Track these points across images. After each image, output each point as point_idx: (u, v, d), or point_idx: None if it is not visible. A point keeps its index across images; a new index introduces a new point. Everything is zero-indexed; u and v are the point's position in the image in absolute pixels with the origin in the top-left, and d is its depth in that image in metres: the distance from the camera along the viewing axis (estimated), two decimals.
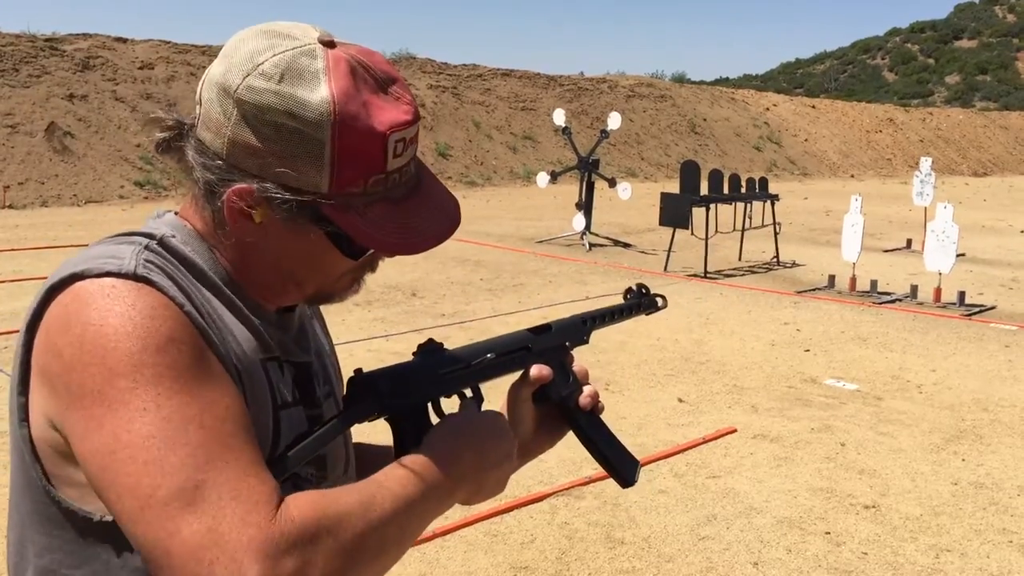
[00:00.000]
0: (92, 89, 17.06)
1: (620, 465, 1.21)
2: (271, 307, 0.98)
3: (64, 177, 15.08)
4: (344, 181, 0.87)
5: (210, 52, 20.14)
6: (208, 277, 0.91)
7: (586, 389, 1.16)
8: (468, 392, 1.07)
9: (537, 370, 1.11)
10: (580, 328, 1.23)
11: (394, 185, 0.91)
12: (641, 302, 1.32)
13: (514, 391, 1.13)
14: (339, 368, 1.15)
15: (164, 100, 17.98)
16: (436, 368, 1.03)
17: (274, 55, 0.86)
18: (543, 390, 1.14)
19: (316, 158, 0.86)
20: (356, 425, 0.98)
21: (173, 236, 0.92)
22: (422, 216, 0.93)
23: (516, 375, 1.13)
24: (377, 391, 0.97)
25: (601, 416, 1.20)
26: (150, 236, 0.90)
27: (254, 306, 0.95)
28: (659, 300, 1.34)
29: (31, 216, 13.11)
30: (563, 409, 1.17)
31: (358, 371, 0.98)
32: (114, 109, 17.07)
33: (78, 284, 0.82)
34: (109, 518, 0.83)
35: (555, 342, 1.18)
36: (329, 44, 0.89)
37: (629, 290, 1.34)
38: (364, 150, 0.87)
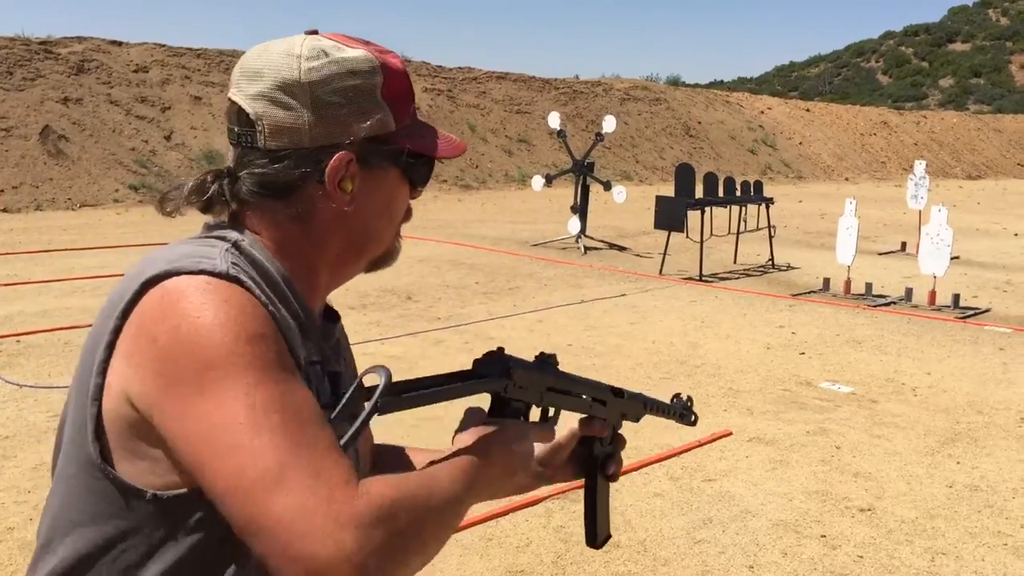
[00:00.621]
0: (87, 92, 17.03)
1: (600, 526, 1.34)
2: (318, 313, 1.08)
3: (58, 181, 15.05)
4: (402, 114, 1.04)
5: (205, 55, 20.13)
6: (274, 279, 0.99)
7: (616, 458, 1.32)
8: (551, 412, 1.18)
9: (600, 426, 1.27)
10: (640, 409, 1.38)
11: (417, 113, 1.10)
12: (682, 413, 1.49)
13: (575, 427, 1.28)
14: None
15: (159, 103, 17.96)
16: (548, 381, 1.15)
17: (301, 46, 1.01)
18: (592, 440, 1.29)
19: (377, 104, 1.02)
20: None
21: (243, 240, 1.00)
22: (444, 133, 1.12)
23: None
24: (510, 376, 1.07)
25: (610, 485, 1.35)
26: (225, 239, 0.99)
27: (308, 312, 1.03)
28: (694, 418, 1.51)
29: (25, 220, 13.08)
30: (591, 462, 1.32)
31: (501, 349, 1.08)
32: (109, 112, 17.04)
33: (175, 279, 0.90)
34: (163, 494, 0.92)
35: (620, 408, 1.32)
36: (314, 32, 1.05)
37: (677, 396, 1.50)
38: (402, 86, 1.05)
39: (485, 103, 24.34)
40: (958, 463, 4.50)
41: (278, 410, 0.85)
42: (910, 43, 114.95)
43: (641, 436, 4.72)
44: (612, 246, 12.14)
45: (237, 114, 1.02)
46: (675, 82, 35.00)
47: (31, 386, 5.11)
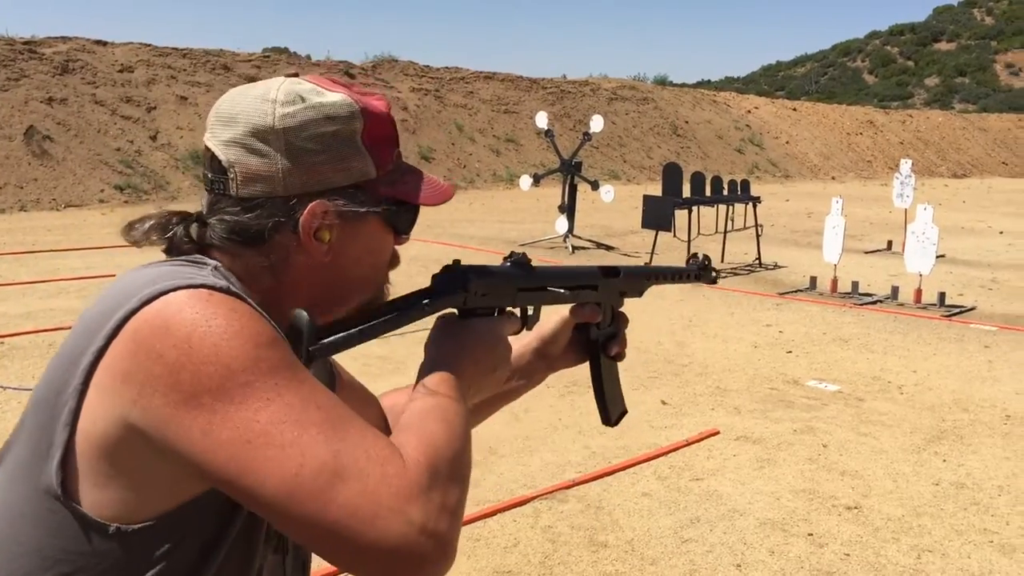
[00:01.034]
0: (71, 92, 16.93)
1: (611, 405, 1.37)
2: None
3: (43, 181, 14.96)
4: (383, 161, 1.01)
5: (191, 55, 20.04)
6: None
7: (619, 337, 1.33)
8: (530, 310, 1.19)
9: (591, 312, 1.28)
10: (641, 283, 1.37)
11: (402, 156, 1.07)
12: (700, 273, 1.46)
13: (567, 315, 1.30)
14: None
15: (144, 103, 17.88)
16: (518, 282, 1.14)
17: (278, 90, 0.97)
18: (587, 325, 1.30)
19: (357, 149, 0.98)
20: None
21: (221, 267, 0.97)
22: (429, 177, 1.08)
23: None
24: (466, 287, 1.06)
25: (618, 364, 1.36)
26: (206, 264, 0.95)
27: None
28: (713, 273, 1.49)
29: (9, 221, 12.99)
30: (592, 346, 1.33)
31: (456, 262, 1.08)
32: (94, 113, 16.95)
33: (173, 294, 0.86)
34: (127, 528, 0.87)
35: (617, 288, 1.32)
36: (295, 75, 1.02)
37: (693, 256, 1.48)
38: (384, 130, 1.01)
39: (473, 103, 24.32)
40: (944, 461, 4.52)
41: (313, 403, 0.85)
42: (895, 42, 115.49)
43: (628, 436, 4.73)
44: (600, 245, 12.15)
45: (211, 160, 0.99)
46: (662, 82, 35.06)
47: (14, 388, 5.07)
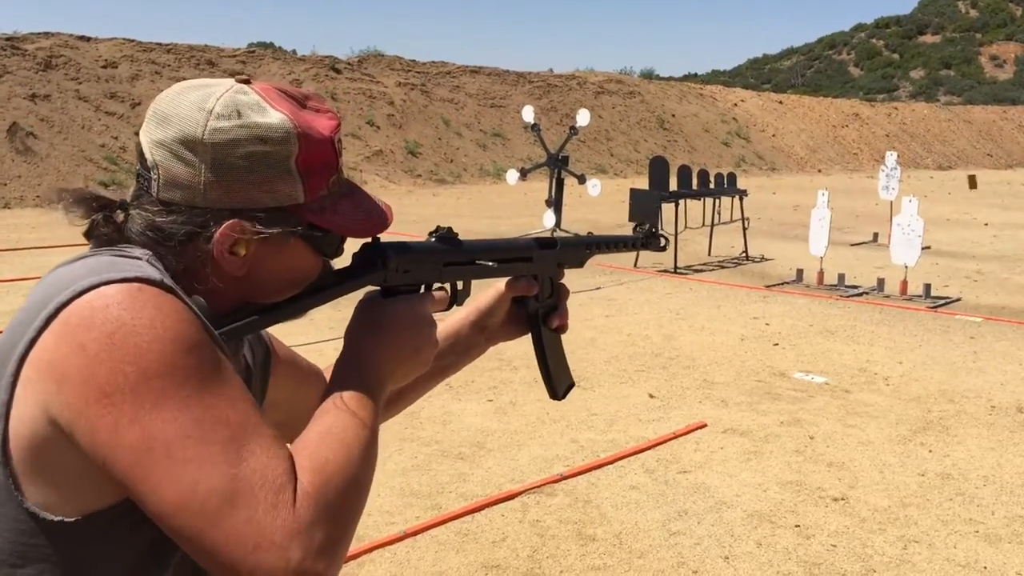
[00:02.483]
0: (55, 89, 16.82)
1: (557, 379, 1.35)
2: None
3: (27, 178, 14.86)
4: (315, 187, 0.98)
5: (175, 50, 19.93)
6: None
7: (560, 309, 1.32)
8: (460, 285, 1.17)
9: (526, 285, 1.27)
10: (580, 253, 1.36)
11: (343, 182, 1.04)
12: (647, 240, 1.45)
13: (503, 288, 1.29)
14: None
15: (129, 99, 17.77)
16: (444, 257, 1.12)
17: (217, 99, 0.95)
18: (523, 297, 1.29)
19: (287, 173, 0.96)
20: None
21: (154, 257, 0.95)
22: (370, 202, 1.06)
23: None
24: (385, 263, 1.05)
25: (561, 335, 1.35)
26: (138, 257, 0.93)
27: None
28: (663, 241, 1.47)
29: None
30: (533, 319, 1.31)
31: (375, 239, 1.06)
32: (77, 109, 16.84)
33: (105, 287, 0.86)
34: (70, 519, 0.87)
35: (553, 259, 1.30)
36: (246, 81, 0.99)
37: (639, 224, 1.46)
38: (322, 155, 0.98)
39: (459, 97, 24.28)
40: (930, 451, 4.54)
41: (223, 420, 0.85)
42: (881, 35, 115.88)
43: (616, 429, 4.73)
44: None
45: (140, 154, 0.98)
46: (649, 75, 35.09)
47: None
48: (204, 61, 20.16)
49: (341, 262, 1.10)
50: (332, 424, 0.93)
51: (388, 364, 1.01)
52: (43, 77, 16.90)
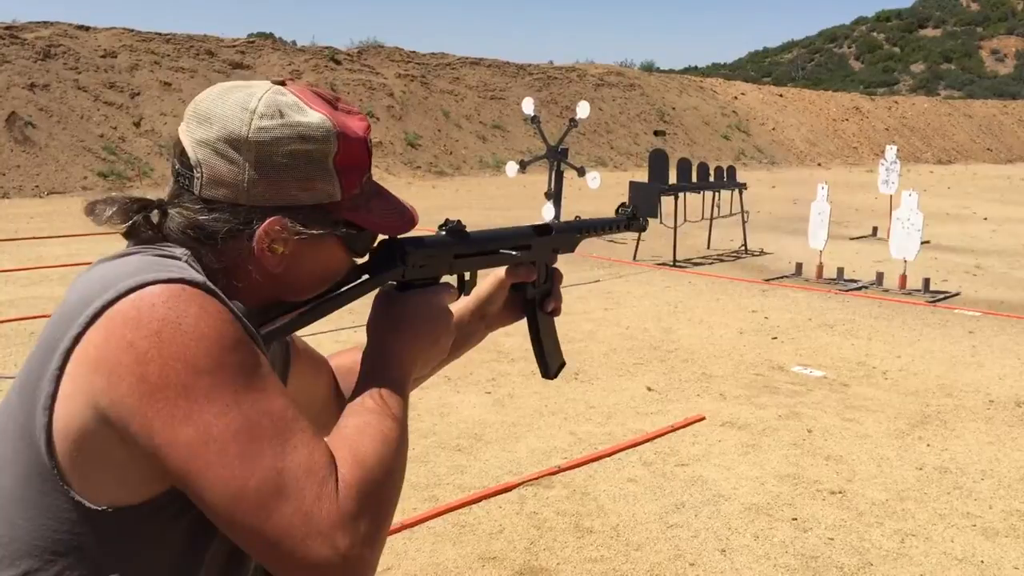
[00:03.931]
0: (54, 78, 16.77)
1: (550, 359, 1.41)
2: None
3: (26, 168, 14.82)
4: (350, 185, 1.02)
5: (174, 40, 19.87)
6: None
7: (554, 293, 1.38)
8: (467, 275, 1.23)
9: (526, 272, 1.32)
10: (572, 238, 1.42)
11: (372, 182, 1.07)
12: (629, 222, 1.51)
13: (503, 276, 1.34)
14: None
15: (128, 89, 17.72)
16: (454, 249, 1.17)
17: (259, 100, 0.98)
18: (522, 284, 1.35)
19: (326, 171, 0.99)
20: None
21: (191, 256, 0.98)
22: (397, 201, 1.10)
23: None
24: (404, 259, 1.09)
25: (554, 318, 1.41)
26: (177, 256, 0.96)
27: None
28: (642, 221, 1.53)
29: None
30: (529, 304, 1.37)
31: (393, 237, 1.10)
32: (76, 99, 16.79)
33: (150, 288, 0.88)
34: (113, 507, 0.89)
35: (549, 245, 1.35)
36: (282, 83, 1.02)
37: (622, 205, 1.52)
38: (357, 155, 1.02)
39: (459, 89, 24.23)
40: (928, 445, 4.54)
41: (268, 415, 0.88)
42: (881, 29, 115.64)
43: (614, 422, 4.73)
44: None
45: (181, 153, 1.00)
46: (649, 68, 35.04)
47: None
48: (203, 51, 20.10)
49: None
50: (368, 418, 0.97)
51: (412, 356, 1.06)
52: (42, 67, 16.85)
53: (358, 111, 1.07)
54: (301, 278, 1.04)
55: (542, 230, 1.33)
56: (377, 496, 0.91)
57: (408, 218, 1.09)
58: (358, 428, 0.95)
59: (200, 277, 0.92)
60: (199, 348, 0.86)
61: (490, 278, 1.35)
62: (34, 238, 10.08)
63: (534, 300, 1.37)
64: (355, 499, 0.88)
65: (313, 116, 0.99)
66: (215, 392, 0.86)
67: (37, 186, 14.55)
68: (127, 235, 1.01)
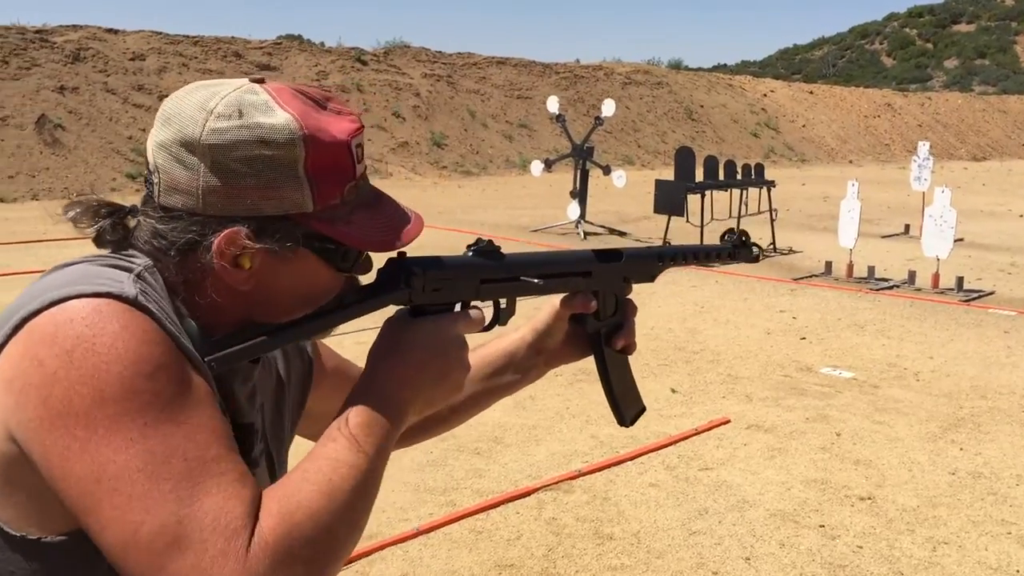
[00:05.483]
0: (83, 81, 16.93)
1: (624, 403, 1.23)
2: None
3: (55, 170, 14.96)
4: (325, 195, 0.90)
5: (202, 43, 20.01)
6: (179, 315, 0.89)
7: (626, 328, 1.20)
8: (503, 303, 1.06)
9: (583, 302, 1.15)
10: (650, 266, 1.23)
11: (363, 191, 0.94)
12: (736, 250, 1.29)
13: (559, 306, 1.19)
14: (293, 405, 1.16)
15: (156, 91, 17.85)
16: (479, 273, 1.02)
17: (221, 98, 0.88)
18: (582, 316, 1.17)
19: (294, 179, 0.88)
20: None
21: (152, 268, 0.90)
22: (394, 214, 0.97)
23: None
24: (409, 282, 0.95)
25: (628, 356, 1.22)
26: (132, 267, 0.88)
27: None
28: (756, 250, 1.32)
29: (21, 210, 12.99)
30: (594, 339, 1.20)
31: (401, 254, 0.97)
32: (105, 101, 16.94)
33: (72, 301, 0.80)
34: (38, 539, 0.83)
35: (618, 273, 1.18)
36: (259, 81, 0.93)
37: (729, 231, 1.31)
38: (334, 161, 0.90)
39: (485, 88, 24.19)
40: (961, 449, 4.41)
41: (179, 454, 0.78)
42: (914, 24, 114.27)
43: (637, 425, 4.62)
44: (612, 231, 12.03)
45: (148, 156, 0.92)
46: (677, 66, 34.79)
47: None
48: (231, 53, 20.20)
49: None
50: (322, 460, 0.85)
51: (408, 390, 0.92)
52: (71, 69, 17.02)
53: (351, 112, 0.95)
54: (276, 297, 0.93)
55: (606, 255, 1.16)
56: (301, 556, 0.79)
57: (395, 237, 0.94)
58: (304, 471, 0.84)
59: (132, 291, 0.82)
60: (110, 372, 0.77)
61: (547, 308, 1.21)
62: (62, 240, 10.13)
63: (599, 335, 1.19)
64: (267, 559, 0.77)
65: (279, 117, 0.88)
66: (120, 423, 0.77)
67: (66, 188, 14.67)
68: (95, 241, 0.93)
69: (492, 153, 22.13)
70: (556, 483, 3.88)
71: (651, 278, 1.24)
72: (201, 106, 0.88)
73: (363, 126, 0.95)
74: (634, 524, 3.54)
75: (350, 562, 3.16)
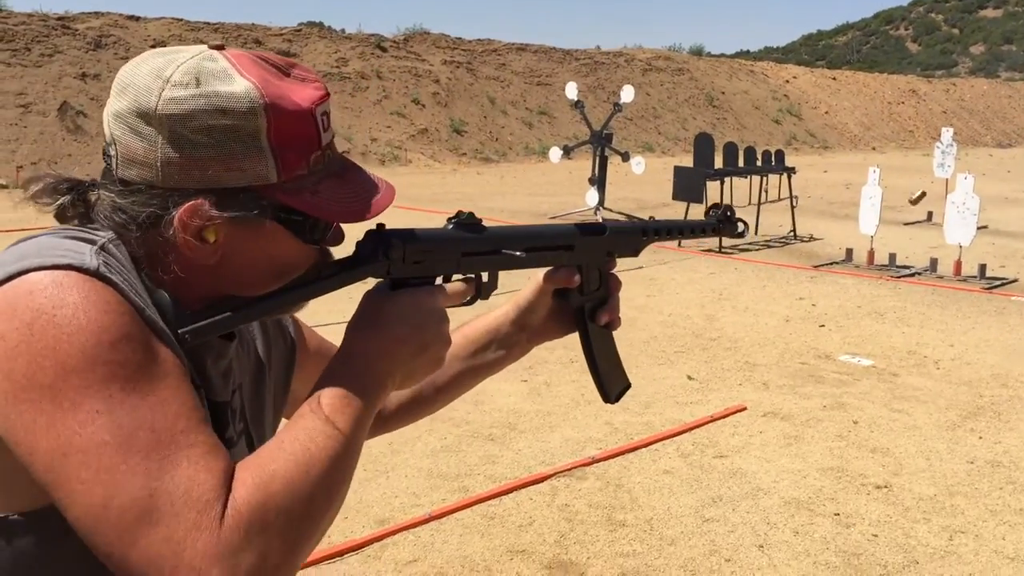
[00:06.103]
0: (105, 68, 17.00)
1: (608, 380, 1.23)
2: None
3: (77, 157, 15.06)
4: (290, 165, 0.87)
5: (222, 29, 20.05)
6: (147, 288, 0.87)
7: (610, 304, 1.19)
8: (485, 276, 1.04)
9: (566, 276, 1.14)
10: (634, 240, 1.21)
11: (331, 160, 0.92)
12: (720, 225, 1.28)
13: (542, 280, 1.17)
14: (279, 385, 1.15)
15: None
16: (460, 246, 1.00)
17: (178, 66, 0.85)
18: (566, 290, 1.16)
19: (257, 149, 0.85)
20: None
21: (115, 241, 0.87)
22: (364, 183, 0.94)
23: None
24: (388, 254, 0.93)
25: (613, 332, 1.21)
26: (95, 239, 0.85)
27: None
28: (741, 225, 1.31)
29: None
30: (579, 314, 1.18)
31: (380, 226, 0.95)
32: None
33: (33, 273, 0.79)
34: (11, 515, 0.82)
35: (602, 247, 1.16)
36: (219, 47, 0.90)
37: (714, 206, 1.30)
38: (299, 129, 0.88)
39: (505, 75, 24.11)
40: (980, 438, 4.36)
41: (147, 425, 0.76)
42: (940, 10, 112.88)
43: (652, 411, 4.62)
44: (630, 218, 11.97)
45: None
46: (698, 52, 34.54)
47: None
48: (251, 40, 20.24)
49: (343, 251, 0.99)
50: (297, 432, 0.83)
51: (386, 362, 0.90)
52: (93, 56, 17.11)
53: (316, 79, 0.92)
54: (244, 271, 0.91)
55: (591, 229, 1.15)
56: (277, 527, 0.77)
57: (364, 207, 0.91)
58: (278, 443, 0.82)
59: (94, 263, 0.80)
60: (72, 343, 0.76)
61: (530, 283, 1.18)
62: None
63: (583, 310, 1.18)
64: (242, 529, 0.75)
65: (239, 85, 0.85)
66: (85, 395, 0.75)
67: (88, 174, 14.73)
68: (57, 218, 0.91)
69: (512, 140, 22.08)
70: (570, 469, 3.87)
71: (635, 252, 1.22)
72: (157, 74, 0.85)
73: (328, 93, 0.92)
74: (647, 511, 3.53)
75: (362, 547, 3.17)
